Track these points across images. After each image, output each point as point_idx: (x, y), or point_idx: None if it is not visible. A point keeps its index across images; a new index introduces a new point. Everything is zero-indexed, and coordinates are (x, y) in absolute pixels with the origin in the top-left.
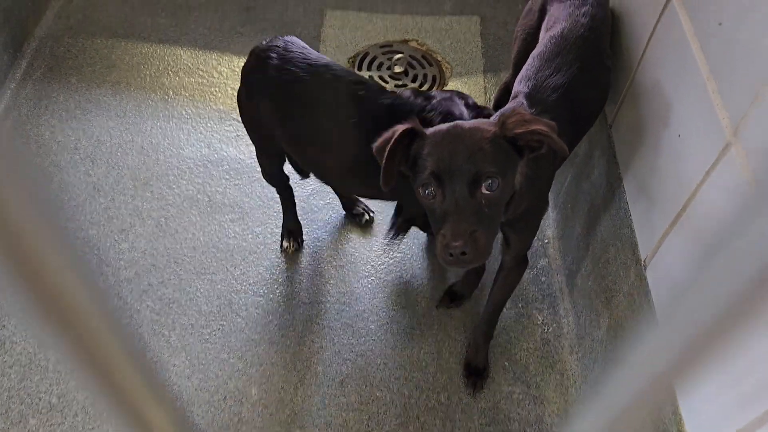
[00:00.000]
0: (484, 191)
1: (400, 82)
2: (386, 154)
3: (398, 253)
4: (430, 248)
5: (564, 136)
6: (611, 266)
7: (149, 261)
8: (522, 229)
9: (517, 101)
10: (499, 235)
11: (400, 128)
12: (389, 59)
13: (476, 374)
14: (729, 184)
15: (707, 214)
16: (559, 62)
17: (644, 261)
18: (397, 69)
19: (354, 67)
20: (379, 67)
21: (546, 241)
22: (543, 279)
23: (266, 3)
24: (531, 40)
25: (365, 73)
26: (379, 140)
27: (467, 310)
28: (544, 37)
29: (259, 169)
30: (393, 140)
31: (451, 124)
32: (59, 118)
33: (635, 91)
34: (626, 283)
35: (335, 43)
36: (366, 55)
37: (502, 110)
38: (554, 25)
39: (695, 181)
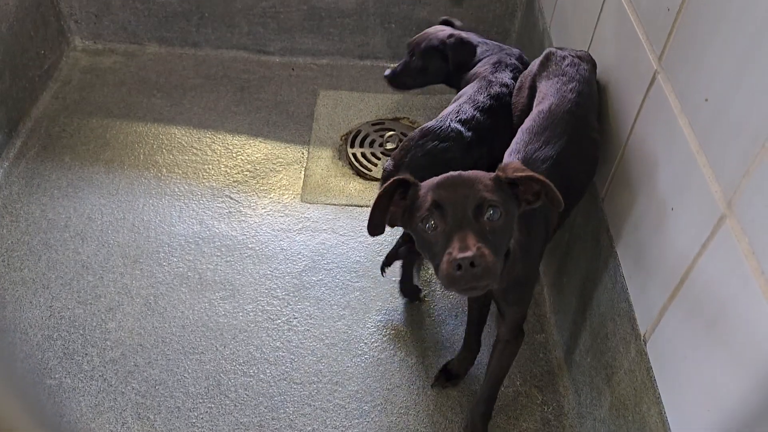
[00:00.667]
0: (488, 219)
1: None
2: (375, 201)
3: (392, 330)
4: (425, 325)
5: (548, 211)
6: (610, 341)
7: (136, 341)
8: (515, 301)
9: None
10: (494, 308)
11: (392, 180)
12: (381, 136)
13: None
14: (726, 256)
15: (706, 288)
16: (547, 135)
17: (644, 336)
18: (389, 146)
19: (346, 145)
20: (371, 144)
21: (542, 315)
22: (541, 355)
23: (260, 83)
24: (525, 115)
25: (357, 150)
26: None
27: (464, 390)
28: (533, 112)
29: (251, 245)
30: (383, 190)
31: (448, 173)
32: (51, 196)
33: (626, 164)
34: (626, 359)
35: (328, 121)
36: (358, 132)
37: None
38: (543, 101)
39: (691, 254)
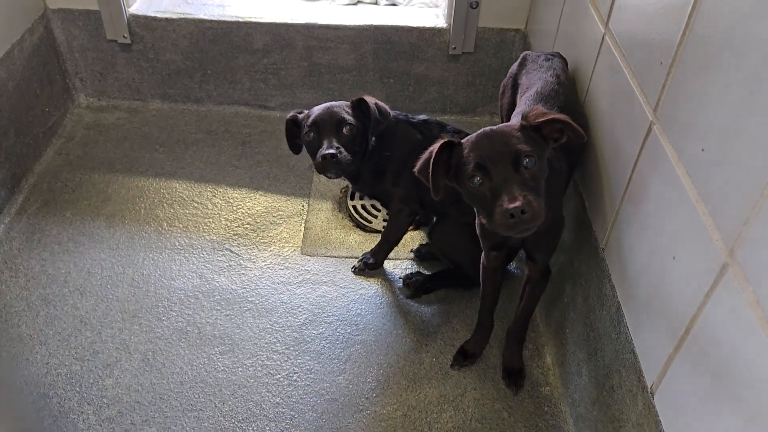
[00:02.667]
0: (525, 167)
1: None
2: (431, 168)
3: (394, 384)
4: (428, 379)
5: (560, 162)
6: (617, 394)
7: (133, 398)
8: (543, 247)
9: None
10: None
11: (438, 143)
12: None
13: (514, 375)
14: (730, 305)
15: (712, 338)
16: None
17: (651, 388)
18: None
19: (346, 197)
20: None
21: (547, 368)
22: (546, 408)
23: (261, 138)
24: (511, 112)
25: (357, 203)
26: (419, 163)
27: None
28: (522, 99)
29: (251, 298)
30: (434, 154)
31: (481, 129)
32: (51, 251)
33: (625, 214)
34: (634, 411)
35: None
36: None
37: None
38: (528, 89)
39: (696, 304)
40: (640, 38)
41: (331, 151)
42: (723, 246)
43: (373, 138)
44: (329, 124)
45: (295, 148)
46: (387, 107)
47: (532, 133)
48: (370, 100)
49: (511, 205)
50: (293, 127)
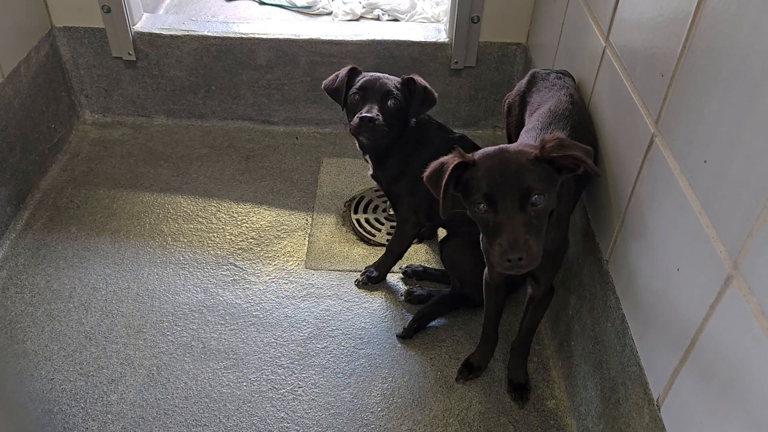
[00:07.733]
0: (532, 205)
1: (394, 223)
2: (443, 187)
3: (399, 398)
4: (432, 393)
5: (570, 183)
6: (623, 407)
7: (138, 413)
8: (546, 268)
9: None
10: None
11: (452, 162)
12: (384, 202)
13: (520, 388)
14: (736, 317)
15: (717, 350)
16: (553, 128)
17: (657, 401)
18: (392, 211)
19: (350, 211)
20: (374, 210)
21: (552, 381)
22: (552, 422)
23: (265, 152)
24: (519, 130)
25: (361, 216)
26: (429, 170)
27: None
28: (533, 117)
29: (255, 312)
30: (447, 174)
31: (498, 148)
32: (56, 266)
33: (629, 226)
34: (640, 425)
35: (331, 188)
36: (362, 198)
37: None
38: (540, 107)
39: (700, 316)
40: (641, 51)
41: (370, 114)
42: (727, 257)
43: (414, 121)
44: (376, 92)
45: (336, 96)
46: (435, 94)
47: (546, 165)
48: (420, 81)
49: (510, 252)
50: (350, 78)
